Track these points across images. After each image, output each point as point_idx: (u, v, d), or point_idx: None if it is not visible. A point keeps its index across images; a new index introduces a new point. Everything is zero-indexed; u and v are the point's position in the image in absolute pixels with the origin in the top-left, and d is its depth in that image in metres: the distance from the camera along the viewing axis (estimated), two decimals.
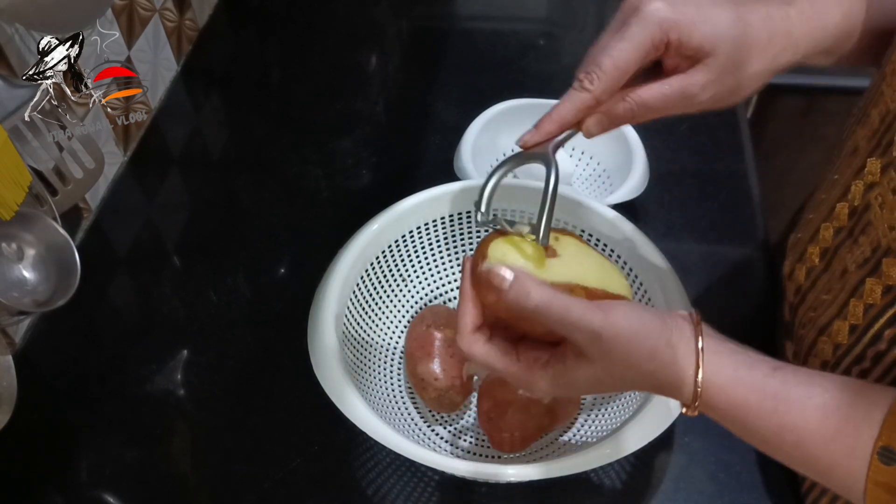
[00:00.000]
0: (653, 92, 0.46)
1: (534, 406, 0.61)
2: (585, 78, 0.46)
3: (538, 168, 0.83)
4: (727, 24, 0.45)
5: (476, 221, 0.47)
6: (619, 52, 0.45)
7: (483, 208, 0.47)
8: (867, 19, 0.51)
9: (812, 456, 0.39)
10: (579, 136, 0.87)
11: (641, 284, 0.64)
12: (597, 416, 0.65)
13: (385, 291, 0.71)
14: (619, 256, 0.67)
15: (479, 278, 0.44)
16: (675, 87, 0.45)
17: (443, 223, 0.71)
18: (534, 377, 0.44)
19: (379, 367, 0.68)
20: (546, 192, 0.46)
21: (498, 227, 0.47)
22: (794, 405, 0.39)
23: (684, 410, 0.42)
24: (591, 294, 0.45)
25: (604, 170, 0.83)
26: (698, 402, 0.41)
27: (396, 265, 0.71)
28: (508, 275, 0.41)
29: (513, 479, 0.52)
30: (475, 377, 0.66)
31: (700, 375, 0.40)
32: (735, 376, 0.40)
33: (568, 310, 0.41)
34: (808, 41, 0.48)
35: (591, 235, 0.68)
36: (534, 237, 0.45)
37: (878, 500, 0.37)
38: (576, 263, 0.46)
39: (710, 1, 0.46)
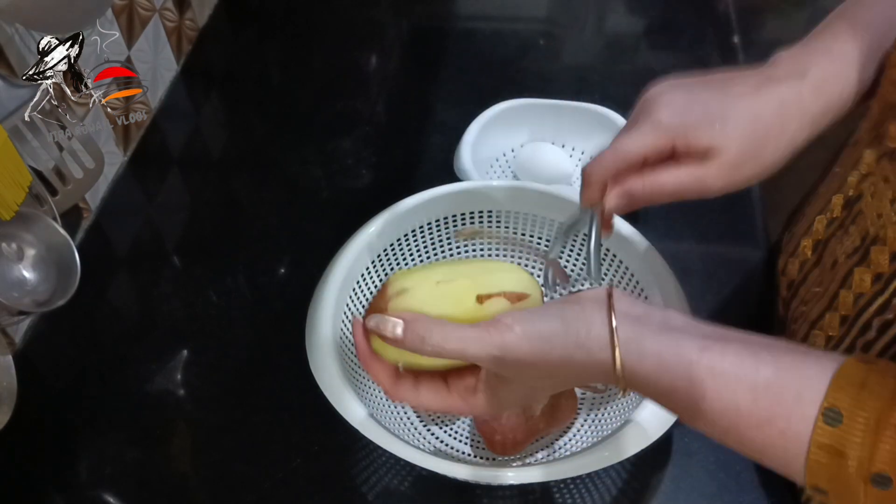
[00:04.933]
0: (668, 177, 0.48)
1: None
2: (587, 166, 0.50)
3: (539, 170, 0.83)
4: (736, 124, 0.46)
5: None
6: (622, 145, 0.48)
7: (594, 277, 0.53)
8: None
9: (747, 439, 0.37)
10: (579, 138, 0.87)
11: (638, 283, 0.64)
12: (595, 418, 0.65)
13: None
14: (614, 256, 0.67)
15: (373, 332, 0.43)
16: (689, 174, 0.47)
17: (445, 223, 0.71)
18: (470, 405, 0.44)
19: None
20: (590, 238, 0.52)
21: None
22: (723, 391, 0.37)
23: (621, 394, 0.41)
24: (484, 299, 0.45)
25: None
26: (627, 386, 0.40)
27: (397, 265, 0.71)
28: (399, 323, 0.41)
29: (513, 483, 0.52)
30: None
31: (618, 368, 0.39)
32: (659, 363, 0.38)
33: (464, 343, 0.40)
34: (824, 114, 0.48)
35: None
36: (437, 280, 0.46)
37: (819, 465, 0.35)
38: (465, 273, 0.46)
39: (720, 99, 0.47)
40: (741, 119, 0.46)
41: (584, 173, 0.49)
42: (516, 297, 0.44)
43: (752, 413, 0.37)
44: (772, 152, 0.47)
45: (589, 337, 0.39)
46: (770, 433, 0.37)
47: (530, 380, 0.42)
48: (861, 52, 0.49)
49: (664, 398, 0.39)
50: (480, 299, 0.44)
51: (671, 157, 0.48)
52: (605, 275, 0.68)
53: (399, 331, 0.41)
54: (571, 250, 0.71)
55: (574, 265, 0.71)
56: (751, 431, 0.37)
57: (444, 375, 0.45)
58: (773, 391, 0.37)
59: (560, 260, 0.70)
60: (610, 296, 0.41)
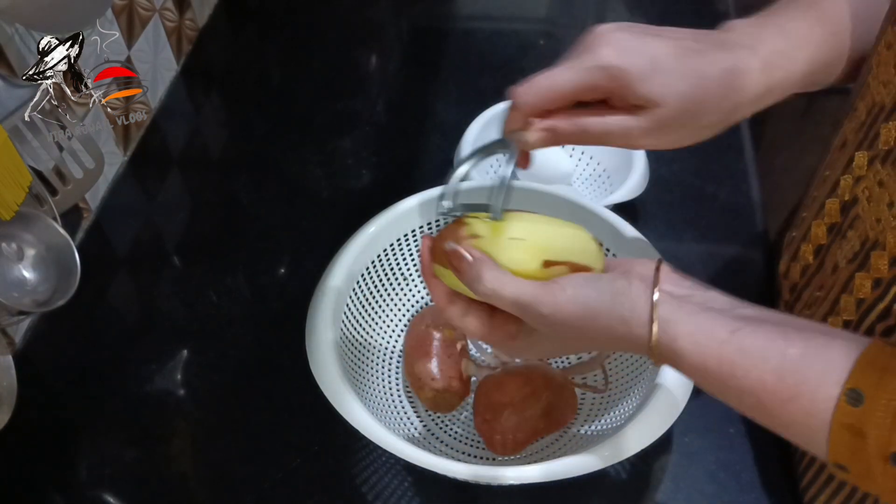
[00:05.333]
0: (595, 122, 0.46)
1: (530, 409, 0.61)
2: (516, 88, 0.46)
3: (539, 170, 0.83)
4: (679, 80, 0.44)
5: (439, 211, 0.50)
6: (558, 75, 0.45)
7: (448, 201, 0.49)
8: (852, 48, 0.50)
9: (771, 415, 0.39)
10: None
11: None
12: (595, 418, 0.65)
13: (384, 292, 0.71)
14: (615, 256, 0.67)
15: (441, 255, 0.46)
16: (617, 123, 0.46)
17: (445, 223, 0.71)
18: (506, 347, 0.48)
19: (377, 367, 0.68)
20: (507, 168, 0.48)
21: (459, 214, 0.49)
22: (751, 369, 0.39)
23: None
24: (552, 265, 0.46)
25: (604, 170, 0.83)
26: (660, 360, 0.42)
27: (397, 265, 0.71)
28: (468, 257, 0.44)
29: (513, 483, 0.52)
30: (472, 378, 0.66)
31: (652, 344, 0.41)
32: (693, 341, 0.40)
33: (517, 297, 0.43)
34: (766, 94, 0.47)
35: None
36: (489, 215, 0.46)
37: (841, 443, 0.37)
38: (538, 236, 0.47)
39: (668, 51, 0.45)
40: (686, 77, 0.44)
41: (513, 97, 0.46)
42: (581, 270, 0.46)
43: (778, 390, 0.38)
44: (707, 119, 0.46)
45: (632, 314, 0.42)
46: (794, 410, 0.38)
47: (567, 339, 0.45)
48: (814, 35, 0.48)
49: (695, 374, 0.41)
50: (547, 265, 0.45)
51: (605, 101, 0.46)
52: None
53: (464, 265, 0.44)
54: None
55: None
56: (776, 408, 0.38)
57: (492, 311, 0.47)
58: (799, 370, 0.38)
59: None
60: (657, 272, 0.43)
